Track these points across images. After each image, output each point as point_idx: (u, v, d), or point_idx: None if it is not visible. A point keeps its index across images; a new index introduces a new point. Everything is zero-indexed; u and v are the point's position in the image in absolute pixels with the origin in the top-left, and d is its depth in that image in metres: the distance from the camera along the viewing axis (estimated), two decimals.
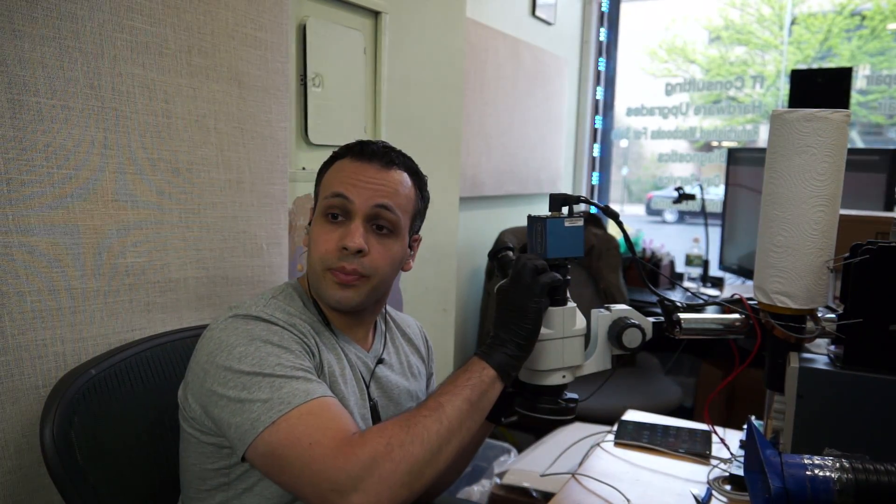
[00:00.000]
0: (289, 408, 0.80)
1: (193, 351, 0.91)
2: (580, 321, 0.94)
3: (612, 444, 1.33)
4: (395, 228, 0.96)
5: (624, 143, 3.94)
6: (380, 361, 1.04)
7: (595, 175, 3.80)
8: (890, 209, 2.19)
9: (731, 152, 2.96)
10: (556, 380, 0.93)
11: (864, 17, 3.57)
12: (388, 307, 1.16)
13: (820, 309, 0.98)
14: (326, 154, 1.04)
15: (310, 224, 1.01)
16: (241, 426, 0.81)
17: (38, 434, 0.88)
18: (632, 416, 1.48)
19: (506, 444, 2.08)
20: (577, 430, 1.71)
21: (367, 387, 1.00)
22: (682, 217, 5.51)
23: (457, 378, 0.88)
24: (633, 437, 1.34)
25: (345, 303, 0.95)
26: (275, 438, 0.79)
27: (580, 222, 0.91)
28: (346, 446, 0.77)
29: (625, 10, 3.73)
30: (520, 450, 1.99)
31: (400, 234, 0.98)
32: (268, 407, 0.80)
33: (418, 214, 1.03)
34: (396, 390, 1.05)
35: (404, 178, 0.99)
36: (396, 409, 1.04)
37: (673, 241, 3.55)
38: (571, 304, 0.93)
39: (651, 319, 1.01)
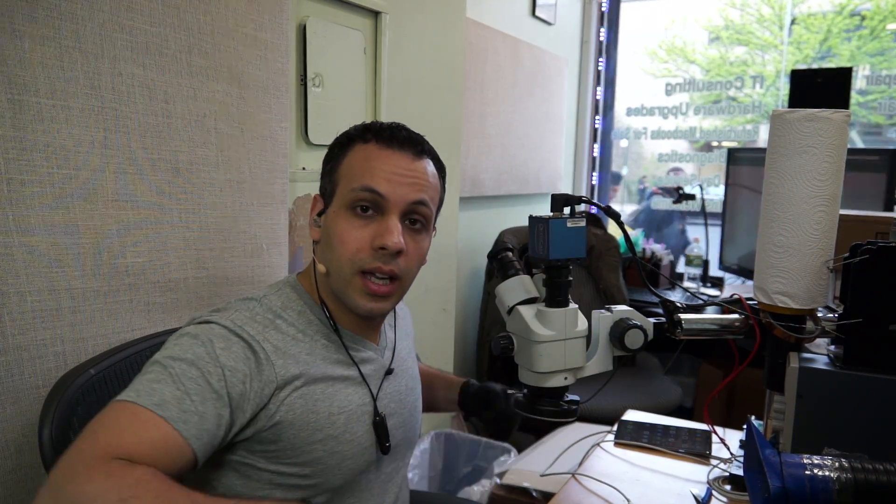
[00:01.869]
0: (136, 399, 0.75)
1: None
2: (582, 322, 0.94)
3: (612, 444, 1.33)
4: (428, 223, 0.93)
5: (624, 143, 3.94)
6: (389, 372, 0.99)
7: (595, 175, 3.81)
8: (890, 209, 2.19)
9: (731, 152, 2.97)
10: (557, 381, 0.93)
11: (863, 18, 3.57)
12: None
13: (820, 309, 0.98)
14: None
15: (320, 215, 0.93)
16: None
17: (37, 435, 0.88)
18: (632, 416, 1.48)
19: (506, 444, 2.08)
20: (577, 430, 1.70)
21: (375, 400, 0.95)
22: (683, 217, 5.50)
23: None
24: (633, 437, 1.34)
25: (377, 313, 0.91)
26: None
27: (582, 223, 0.91)
28: (90, 463, 0.69)
29: (625, 10, 3.73)
30: (520, 450, 1.99)
31: (429, 228, 0.94)
32: (133, 388, 0.76)
33: (441, 205, 0.99)
34: (404, 382, 1.03)
35: (432, 167, 0.94)
36: (405, 404, 1.01)
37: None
38: (573, 305, 0.93)
39: (652, 320, 1.01)
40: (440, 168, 0.97)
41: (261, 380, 0.83)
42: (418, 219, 0.91)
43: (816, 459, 0.78)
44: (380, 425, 0.94)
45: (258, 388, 0.83)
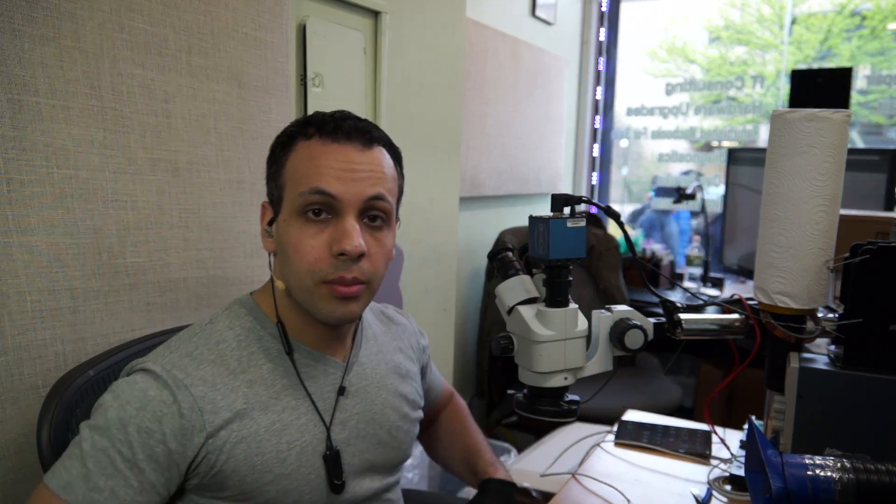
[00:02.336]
0: (45, 480, 0.75)
1: None
2: (582, 322, 0.94)
3: (612, 444, 1.33)
4: (389, 217, 0.85)
5: (624, 143, 3.94)
6: (340, 392, 0.90)
7: (595, 175, 3.81)
8: (890, 209, 2.19)
9: (731, 152, 2.97)
10: (557, 381, 0.93)
11: (864, 17, 3.57)
12: (384, 305, 1.13)
13: (820, 309, 0.98)
14: None
15: (271, 224, 0.85)
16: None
17: (36, 436, 0.87)
18: (632, 416, 1.48)
19: (506, 444, 2.08)
20: (577, 430, 1.70)
21: (329, 429, 0.87)
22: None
23: None
24: (633, 437, 1.34)
25: (347, 318, 0.83)
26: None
27: (582, 223, 0.91)
28: None
29: (625, 10, 3.73)
30: (520, 450, 1.99)
31: (392, 223, 0.87)
32: (53, 468, 0.76)
33: (401, 195, 0.90)
34: (379, 399, 0.96)
35: (386, 156, 0.85)
36: (378, 423, 0.94)
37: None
38: (573, 305, 0.93)
39: (652, 320, 1.01)
40: (395, 155, 0.89)
41: (183, 434, 0.77)
42: (378, 215, 0.83)
43: (818, 460, 0.78)
44: (331, 459, 0.85)
45: (182, 442, 0.77)
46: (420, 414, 1.06)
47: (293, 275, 0.81)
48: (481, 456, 1.15)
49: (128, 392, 0.78)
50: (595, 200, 1.18)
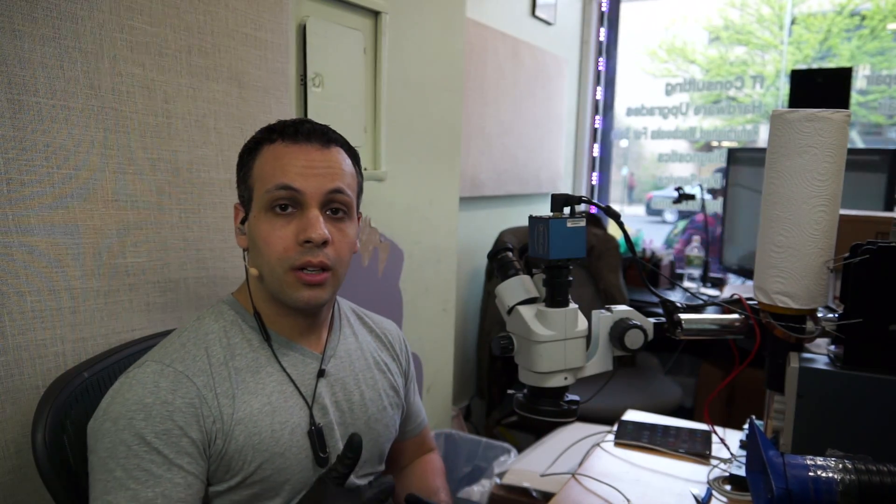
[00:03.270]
0: None
1: None
2: (582, 322, 0.94)
3: (612, 444, 1.33)
4: (350, 210, 0.92)
5: (624, 143, 3.95)
6: (321, 374, 0.96)
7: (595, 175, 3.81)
8: (890, 209, 2.19)
9: (731, 152, 2.97)
10: (557, 381, 0.93)
11: (863, 18, 3.57)
12: (362, 309, 1.14)
13: (820, 309, 0.98)
14: None
15: (243, 222, 0.93)
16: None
17: (31, 438, 0.87)
18: (632, 416, 1.48)
19: (506, 444, 2.08)
20: (577, 430, 1.70)
21: (311, 408, 0.93)
22: (683, 217, 5.51)
23: None
24: (633, 437, 1.34)
25: (314, 302, 0.89)
26: None
27: (582, 223, 0.91)
28: None
29: (625, 10, 3.73)
30: (520, 450, 1.99)
31: (353, 216, 0.93)
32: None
33: (360, 191, 0.97)
34: (357, 392, 1.00)
35: (343, 155, 0.93)
36: (356, 414, 0.99)
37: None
38: (573, 305, 0.93)
39: (652, 320, 1.01)
40: (352, 154, 0.96)
41: (196, 422, 0.83)
42: (339, 207, 0.90)
43: (820, 461, 0.78)
44: (315, 434, 0.91)
45: (198, 430, 0.83)
46: (402, 404, 1.10)
47: (265, 265, 0.88)
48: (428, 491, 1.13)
49: (130, 406, 0.81)
50: (595, 200, 1.18)
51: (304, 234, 0.86)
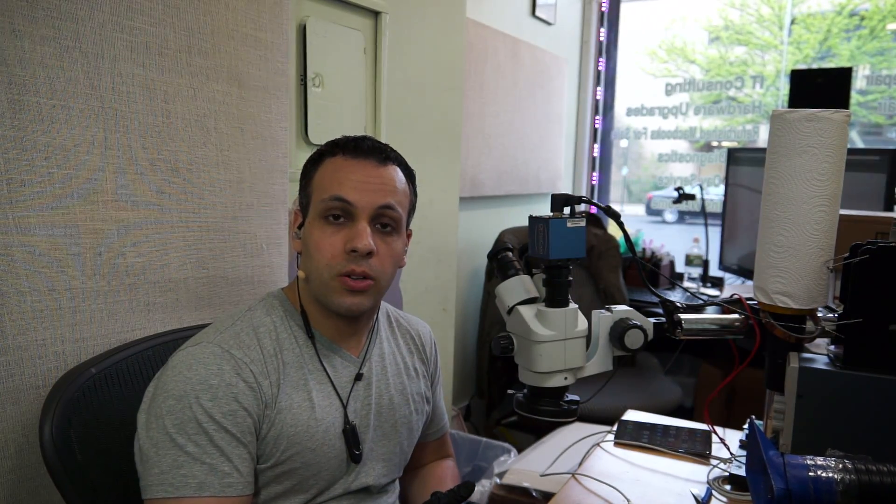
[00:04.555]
0: (175, 494, 0.81)
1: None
2: (582, 322, 0.94)
3: (612, 444, 1.33)
4: (398, 226, 0.96)
5: (624, 143, 3.94)
6: (358, 378, 1.00)
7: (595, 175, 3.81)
8: (890, 209, 2.19)
9: (731, 152, 2.97)
10: (557, 381, 0.93)
11: (863, 18, 3.57)
12: (398, 310, 1.16)
13: (820, 309, 0.98)
14: None
15: (300, 227, 0.98)
16: (140, 477, 0.84)
17: (38, 433, 0.88)
18: (632, 416, 1.48)
19: (506, 444, 2.08)
20: (577, 430, 1.70)
21: (345, 408, 0.97)
22: (682, 217, 5.51)
23: None
24: (633, 437, 1.34)
25: (355, 309, 0.94)
26: None
27: (582, 223, 0.91)
28: None
29: (625, 10, 3.73)
30: (520, 450, 1.99)
31: (401, 231, 0.97)
32: (160, 480, 0.81)
33: (412, 209, 1.02)
34: (387, 395, 1.04)
35: (399, 173, 0.98)
36: (384, 417, 1.02)
37: (673, 241, 3.55)
38: (573, 305, 0.93)
39: (652, 320, 1.01)
40: (408, 173, 1.01)
41: (256, 405, 0.88)
42: (388, 222, 0.94)
43: (820, 461, 0.78)
44: (349, 433, 0.96)
45: (256, 412, 0.88)
46: (428, 410, 1.13)
47: (314, 269, 0.93)
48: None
49: (195, 385, 0.85)
50: (595, 200, 1.18)
51: (351, 243, 0.90)
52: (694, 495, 1.11)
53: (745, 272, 2.82)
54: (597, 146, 3.79)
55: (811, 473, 0.76)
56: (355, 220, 0.92)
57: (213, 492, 0.82)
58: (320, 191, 0.94)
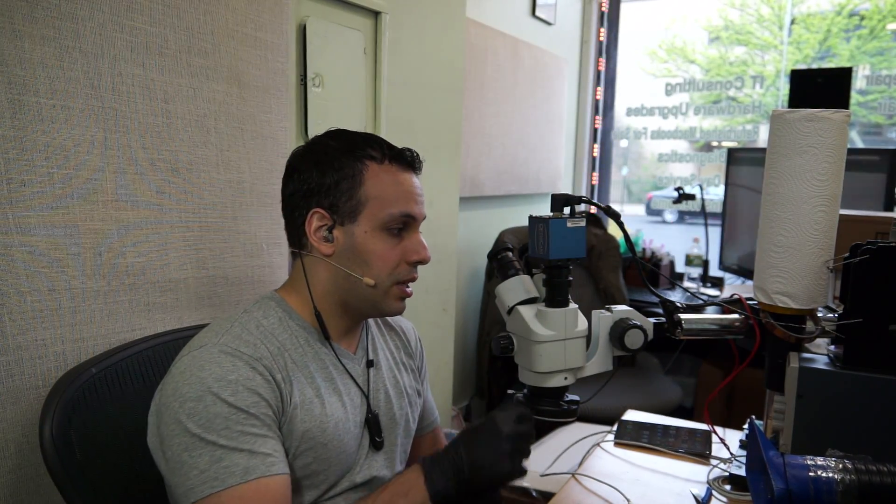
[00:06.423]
0: (222, 486, 0.79)
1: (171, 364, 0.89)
2: (582, 322, 0.94)
3: (612, 444, 1.33)
4: None
5: (624, 143, 3.95)
6: (370, 364, 1.03)
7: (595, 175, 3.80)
8: (890, 209, 2.19)
9: (731, 152, 2.97)
10: (557, 381, 0.93)
11: (862, 18, 3.57)
12: None
13: (820, 309, 0.98)
14: None
15: (330, 230, 0.94)
16: (178, 487, 0.81)
17: (38, 433, 0.88)
18: (632, 416, 1.48)
19: None
20: (577, 430, 1.70)
21: (368, 397, 1.00)
22: (682, 217, 5.51)
23: (393, 491, 0.88)
24: (633, 437, 1.34)
25: (401, 312, 1.00)
26: None
27: (582, 223, 0.91)
28: None
29: (625, 10, 3.73)
30: None
31: None
32: (203, 479, 0.79)
33: None
34: (383, 389, 1.05)
35: None
36: (384, 411, 1.03)
37: (673, 241, 3.55)
38: (573, 305, 0.93)
39: (652, 320, 1.01)
40: None
41: (275, 397, 0.88)
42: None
43: (820, 461, 0.78)
44: (372, 422, 0.99)
45: (276, 404, 0.88)
46: (419, 403, 1.14)
47: (374, 277, 0.95)
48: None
49: (210, 383, 0.83)
50: (595, 200, 1.18)
51: (419, 255, 0.97)
52: (694, 495, 1.11)
53: (745, 272, 2.82)
54: (597, 146, 3.79)
55: (811, 473, 0.76)
56: (411, 230, 0.97)
57: (260, 472, 0.81)
58: (383, 202, 0.93)
